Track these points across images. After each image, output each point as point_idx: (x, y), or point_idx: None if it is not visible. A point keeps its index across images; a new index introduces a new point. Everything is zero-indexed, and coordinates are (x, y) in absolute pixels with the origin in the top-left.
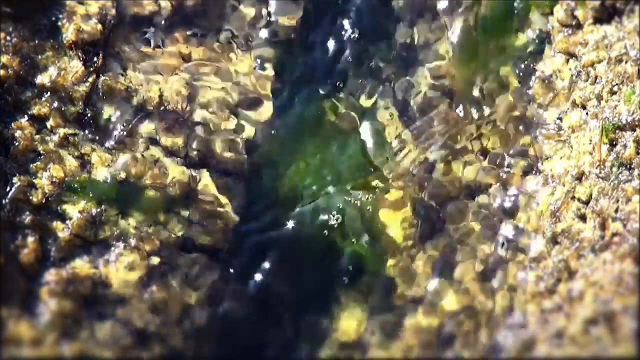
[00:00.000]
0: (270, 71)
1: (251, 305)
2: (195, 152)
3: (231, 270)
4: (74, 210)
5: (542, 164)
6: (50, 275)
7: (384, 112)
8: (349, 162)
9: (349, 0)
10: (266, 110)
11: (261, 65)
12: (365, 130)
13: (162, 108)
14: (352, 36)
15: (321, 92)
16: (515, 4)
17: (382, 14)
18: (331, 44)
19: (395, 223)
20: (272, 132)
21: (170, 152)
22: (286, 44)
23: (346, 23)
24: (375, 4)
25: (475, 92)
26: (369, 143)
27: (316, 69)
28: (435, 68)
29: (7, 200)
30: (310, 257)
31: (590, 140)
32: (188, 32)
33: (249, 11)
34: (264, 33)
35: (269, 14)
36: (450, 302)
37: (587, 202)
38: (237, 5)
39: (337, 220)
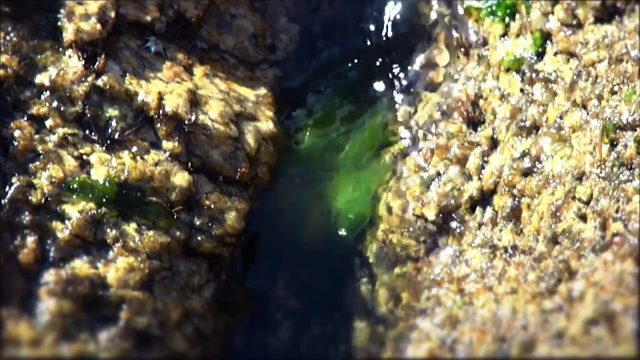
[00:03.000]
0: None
1: (252, 309)
2: (196, 158)
3: (232, 276)
4: (74, 210)
5: (542, 164)
6: (50, 276)
7: None
8: None
9: None
10: (266, 122)
11: (259, 78)
12: None
13: (162, 112)
14: None
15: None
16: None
17: None
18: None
19: None
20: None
21: (171, 156)
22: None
23: None
24: None
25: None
26: None
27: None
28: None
29: (6, 200)
30: (314, 264)
31: (591, 140)
32: (188, 42)
33: (249, 26)
34: (263, 48)
35: (269, 29)
36: None
37: (587, 202)
38: (237, 19)
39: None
